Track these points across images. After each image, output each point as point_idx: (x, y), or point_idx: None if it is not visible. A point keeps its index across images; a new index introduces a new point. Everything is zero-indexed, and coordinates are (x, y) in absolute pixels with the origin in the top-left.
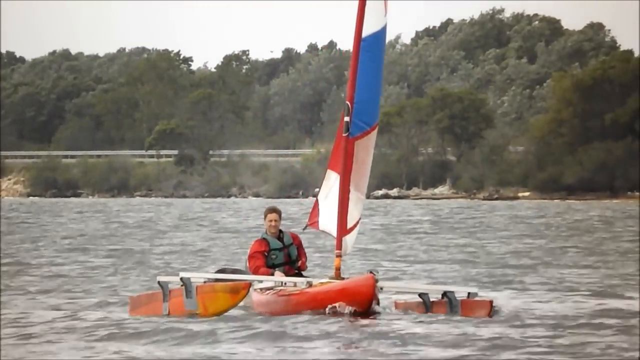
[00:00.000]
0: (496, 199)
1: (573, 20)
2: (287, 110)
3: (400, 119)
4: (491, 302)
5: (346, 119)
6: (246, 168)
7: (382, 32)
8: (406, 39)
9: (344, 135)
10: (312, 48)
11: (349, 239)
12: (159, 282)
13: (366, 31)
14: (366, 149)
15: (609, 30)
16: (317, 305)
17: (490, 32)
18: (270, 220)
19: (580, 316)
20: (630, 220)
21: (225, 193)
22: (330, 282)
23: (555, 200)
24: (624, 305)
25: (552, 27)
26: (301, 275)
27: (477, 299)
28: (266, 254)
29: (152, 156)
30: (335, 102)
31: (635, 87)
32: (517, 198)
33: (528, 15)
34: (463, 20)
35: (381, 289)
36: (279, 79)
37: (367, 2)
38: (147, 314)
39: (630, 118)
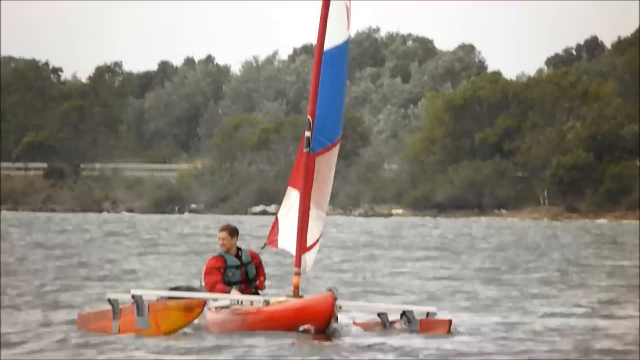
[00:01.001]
0: (371, 215)
1: (445, 41)
2: (163, 124)
3: (278, 136)
4: (450, 320)
5: (307, 134)
6: (119, 182)
7: (345, 45)
8: (284, 55)
9: (304, 151)
10: (189, 62)
11: (308, 257)
12: (109, 300)
13: (328, 44)
14: (327, 165)
15: (479, 52)
16: (275, 324)
17: (367, 50)
18: (220, 239)
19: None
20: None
21: (97, 208)
22: (288, 300)
23: (427, 217)
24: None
25: (426, 47)
26: (258, 295)
27: (436, 318)
28: (222, 270)
29: (19, 169)
30: (213, 116)
31: (503, 107)
32: (390, 215)
33: (402, 35)
34: None
35: (340, 307)
36: (154, 92)
37: (330, 13)
38: (96, 332)
39: (498, 138)
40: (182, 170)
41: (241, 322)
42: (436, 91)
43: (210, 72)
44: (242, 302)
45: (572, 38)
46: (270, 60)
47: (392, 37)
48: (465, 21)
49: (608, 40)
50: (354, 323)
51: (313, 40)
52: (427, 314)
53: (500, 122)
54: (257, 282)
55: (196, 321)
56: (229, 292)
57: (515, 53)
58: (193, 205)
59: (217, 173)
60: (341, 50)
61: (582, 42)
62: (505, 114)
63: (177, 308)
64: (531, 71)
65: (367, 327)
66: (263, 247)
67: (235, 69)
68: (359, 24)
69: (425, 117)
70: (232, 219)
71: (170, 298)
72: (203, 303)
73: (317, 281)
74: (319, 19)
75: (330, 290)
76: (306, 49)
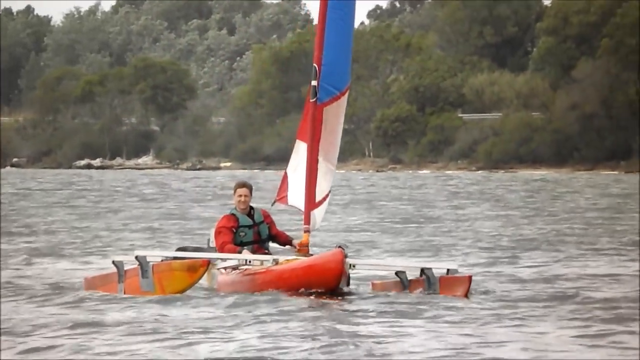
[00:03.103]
0: (199, 169)
1: None
2: None
3: (102, 88)
4: (470, 277)
5: (313, 83)
6: None
7: None
8: (107, 6)
9: (311, 100)
10: (7, 12)
11: (318, 213)
12: (113, 262)
13: None
14: (336, 115)
15: (305, 4)
16: (284, 284)
17: (192, 2)
18: (240, 196)
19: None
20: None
21: None
22: (297, 259)
23: (255, 170)
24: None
25: None
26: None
27: (456, 275)
28: (234, 230)
29: None
30: (34, 68)
31: None
32: (219, 168)
33: None
34: None
35: (353, 266)
36: None
37: None
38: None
39: None
40: (3, 124)
41: (251, 282)
42: (262, 44)
43: (30, 23)
44: (251, 262)
45: None
46: (92, 11)
47: None
48: None
49: None
50: (373, 285)
51: None
52: (448, 270)
53: None
54: (284, 239)
55: (208, 284)
56: (240, 252)
57: None
58: (15, 159)
59: (39, 126)
60: None
61: None
62: None
63: (181, 268)
64: (356, 24)
65: (386, 288)
66: (273, 204)
67: (57, 20)
68: None
69: (252, 69)
70: (57, 173)
71: (175, 258)
72: (207, 263)
73: None
74: None
75: (339, 247)
76: (130, 0)
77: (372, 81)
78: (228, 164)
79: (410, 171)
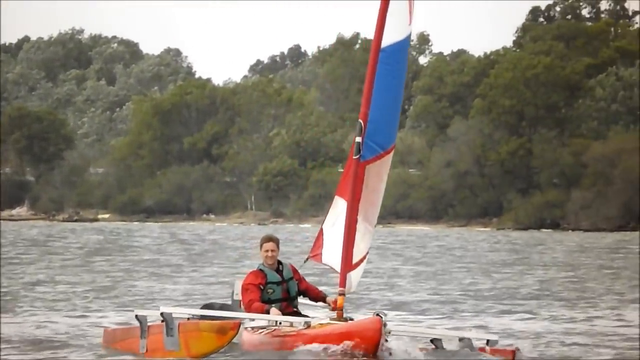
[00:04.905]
0: (76, 220)
1: (151, 45)
2: None
3: None
4: (514, 352)
5: (357, 139)
6: None
7: (405, 42)
8: None
9: (354, 157)
10: None
11: (354, 276)
12: (136, 317)
13: (386, 40)
14: (378, 174)
15: (186, 57)
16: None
17: (71, 52)
18: (267, 250)
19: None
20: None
21: None
22: (331, 323)
23: (135, 223)
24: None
25: (132, 50)
26: (299, 314)
27: (497, 347)
28: (262, 287)
29: None
30: None
31: (212, 112)
32: (97, 220)
33: (107, 37)
34: (40, 38)
35: (389, 333)
36: None
37: (390, 6)
38: (122, 351)
39: (207, 143)
40: None
41: (280, 345)
42: (143, 95)
43: None
44: (280, 322)
45: (277, 46)
46: None
47: (95, 39)
48: (170, 25)
49: (310, 49)
50: None
51: (12, 39)
52: (488, 341)
53: (209, 128)
54: (315, 293)
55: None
56: (267, 311)
57: (223, 59)
58: None
59: None
60: (401, 47)
61: (286, 51)
62: (213, 119)
63: (209, 329)
64: (238, 78)
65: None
66: (306, 261)
67: None
68: (61, 25)
69: (132, 120)
70: None
71: (202, 317)
72: (238, 325)
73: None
74: (377, 12)
75: (378, 314)
76: (5, 49)
77: (254, 135)
78: (106, 215)
79: (292, 225)
